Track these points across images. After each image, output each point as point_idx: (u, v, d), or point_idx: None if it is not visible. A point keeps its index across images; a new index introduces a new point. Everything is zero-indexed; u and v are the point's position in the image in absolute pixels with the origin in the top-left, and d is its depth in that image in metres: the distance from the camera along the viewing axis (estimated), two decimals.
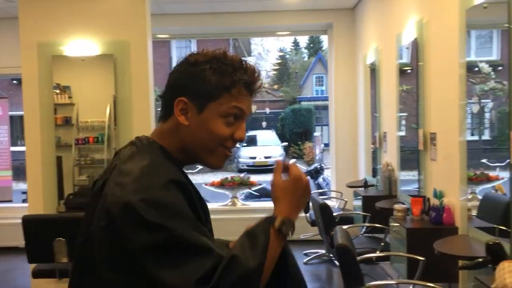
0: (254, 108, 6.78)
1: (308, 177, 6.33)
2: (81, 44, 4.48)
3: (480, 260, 2.25)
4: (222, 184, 6.46)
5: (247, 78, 1.12)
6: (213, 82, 1.10)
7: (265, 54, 29.60)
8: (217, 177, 7.13)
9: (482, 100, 3.36)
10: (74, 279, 1.13)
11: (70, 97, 4.53)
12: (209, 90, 1.10)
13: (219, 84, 1.10)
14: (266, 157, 17.62)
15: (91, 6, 4.48)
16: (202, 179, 13.13)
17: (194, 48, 20.17)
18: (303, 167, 10.39)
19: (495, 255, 2.19)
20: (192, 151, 1.14)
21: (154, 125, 4.63)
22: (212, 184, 6.62)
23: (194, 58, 1.13)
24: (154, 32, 6.13)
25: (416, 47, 3.96)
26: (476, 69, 3.18)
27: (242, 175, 6.99)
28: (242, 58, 1.16)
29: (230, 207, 6.39)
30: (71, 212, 4.10)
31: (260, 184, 6.92)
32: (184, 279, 0.96)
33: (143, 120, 4.48)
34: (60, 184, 4.52)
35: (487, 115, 3.43)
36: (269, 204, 7.18)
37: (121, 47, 4.44)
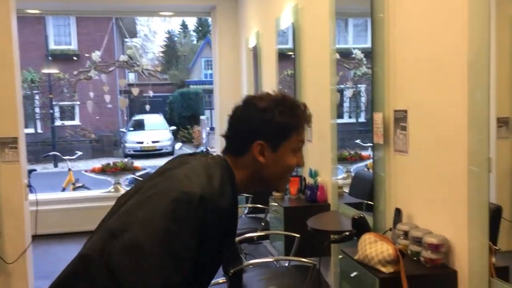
0: (137, 91, 6.56)
1: None
2: None
3: (347, 233, 2.39)
4: (103, 170, 6.17)
5: (307, 115, 1.36)
6: (284, 125, 1.32)
7: (151, 36, 28.78)
8: (102, 163, 6.80)
9: (358, 85, 3.57)
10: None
11: None
12: (281, 132, 1.32)
13: (289, 125, 1.32)
14: (154, 142, 17.23)
15: None
16: (84, 165, 12.47)
17: (74, 27, 18.89)
18: (190, 151, 10.31)
19: (360, 228, 2.34)
20: (265, 181, 1.37)
21: (21, 110, 4.24)
22: (93, 171, 6.29)
23: (264, 104, 1.32)
24: (22, 6, 5.60)
25: (293, 32, 4.08)
26: (353, 55, 3.35)
27: (125, 160, 6.75)
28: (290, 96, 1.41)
29: (114, 194, 6.14)
30: None
31: (144, 169, 6.72)
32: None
33: (8, 104, 4.07)
34: None
35: (362, 99, 3.65)
36: None
37: None
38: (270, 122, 1.30)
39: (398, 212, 2.37)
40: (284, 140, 1.33)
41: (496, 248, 1.84)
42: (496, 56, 1.84)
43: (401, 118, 2.38)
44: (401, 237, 2.21)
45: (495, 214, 1.90)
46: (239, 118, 1.34)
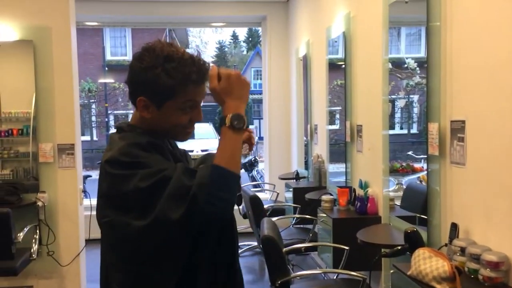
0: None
1: (242, 170, 6.34)
2: None
3: (399, 248, 2.31)
4: None
5: (196, 72, 1.25)
6: (167, 85, 1.23)
7: (203, 47, 29.34)
8: None
9: (411, 95, 3.47)
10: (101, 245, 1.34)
11: None
12: (164, 92, 1.24)
13: (173, 86, 1.23)
14: (203, 150, 17.47)
15: None
16: None
17: (129, 38, 19.59)
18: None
19: (413, 243, 2.26)
20: (160, 133, 1.32)
21: (78, 118, 4.41)
22: None
23: (145, 62, 1.24)
24: (82, 19, 5.85)
25: (344, 41, 4.03)
26: (405, 65, 3.27)
27: None
28: (184, 49, 1.29)
29: None
30: None
31: None
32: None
33: (66, 112, 4.24)
34: None
35: (415, 109, 3.55)
36: None
37: (41, 33, 4.15)
38: (151, 81, 1.24)
39: (454, 227, 2.26)
40: (168, 99, 1.26)
41: None
42: None
43: (458, 128, 2.28)
44: (458, 254, 2.11)
45: None
46: (128, 72, 1.31)
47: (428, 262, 1.98)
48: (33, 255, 3.99)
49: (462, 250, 2.09)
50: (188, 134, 1.35)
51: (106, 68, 18.06)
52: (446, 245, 2.28)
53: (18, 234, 3.80)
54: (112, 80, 17.67)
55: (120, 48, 19.96)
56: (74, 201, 4.31)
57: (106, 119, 18.17)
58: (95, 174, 13.76)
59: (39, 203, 4.09)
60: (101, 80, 17.37)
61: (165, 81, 1.23)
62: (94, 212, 4.46)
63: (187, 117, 1.30)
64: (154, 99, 1.26)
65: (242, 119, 1.22)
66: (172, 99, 1.26)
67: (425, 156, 2.64)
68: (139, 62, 1.26)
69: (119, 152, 1.23)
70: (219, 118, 1.27)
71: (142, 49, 1.28)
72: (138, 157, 1.21)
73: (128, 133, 1.32)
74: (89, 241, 4.46)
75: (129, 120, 1.40)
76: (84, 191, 4.55)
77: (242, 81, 1.25)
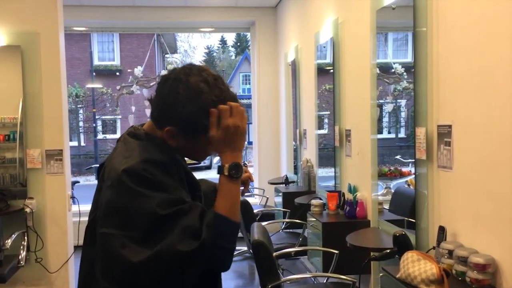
0: None
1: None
2: None
3: (388, 251, 2.34)
4: None
5: (228, 104, 1.23)
6: (201, 123, 1.21)
7: (191, 52, 29.32)
8: None
9: (398, 100, 3.51)
10: (84, 253, 1.39)
11: None
12: (197, 128, 1.23)
13: (206, 123, 1.21)
14: None
15: None
16: None
17: (117, 43, 19.51)
18: None
19: (401, 246, 2.28)
20: (181, 154, 1.31)
21: (66, 124, 4.39)
22: None
23: (181, 96, 1.20)
24: (70, 24, 5.84)
25: (332, 47, 4.06)
26: (392, 70, 3.30)
27: None
28: (214, 74, 1.26)
29: None
30: None
31: None
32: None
33: (54, 118, 4.22)
34: None
35: (402, 114, 3.58)
36: None
37: (29, 38, 4.14)
38: (186, 119, 1.22)
39: (442, 230, 2.29)
40: (199, 133, 1.25)
41: None
42: None
43: (445, 133, 2.32)
44: (445, 256, 2.14)
45: None
46: (162, 96, 1.25)
47: (416, 265, 2.00)
48: (21, 262, 3.95)
49: (450, 253, 2.12)
50: (205, 158, 1.35)
51: (94, 73, 17.97)
52: (434, 248, 2.31)
53: (6, 241, 3.76)
54: (99, 85, 17.58)
55: (108, 53, 19.87)
56: (62, 207, 4.28)
57: (94, 125, 18.06)
58: (83, 180, 13.65)
59: (27, 210, 4.06)
60: (89, 85, 17.28)
61: (199, 119, 1.22)
62: (82, 219, 4.42)
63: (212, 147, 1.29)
64: (186, 132, 1.25)
65: (240, 168, 1.23)
66: (202, 133, 1.24)
67: (413, 160, 2.67)
68: (177, 95, 1.21)
69: (141, 165, 1.19)
70: (217, 166, 1.28)
71: (173, 80, 1.23)
72: (159, 177, 1.19)
73: (148, 144, 1.27)
74: (77, 248, 4.42)
75: (139, 123, 1.37)
76: (73, 197, 4.52)
77: (240, 132, 1.24)
